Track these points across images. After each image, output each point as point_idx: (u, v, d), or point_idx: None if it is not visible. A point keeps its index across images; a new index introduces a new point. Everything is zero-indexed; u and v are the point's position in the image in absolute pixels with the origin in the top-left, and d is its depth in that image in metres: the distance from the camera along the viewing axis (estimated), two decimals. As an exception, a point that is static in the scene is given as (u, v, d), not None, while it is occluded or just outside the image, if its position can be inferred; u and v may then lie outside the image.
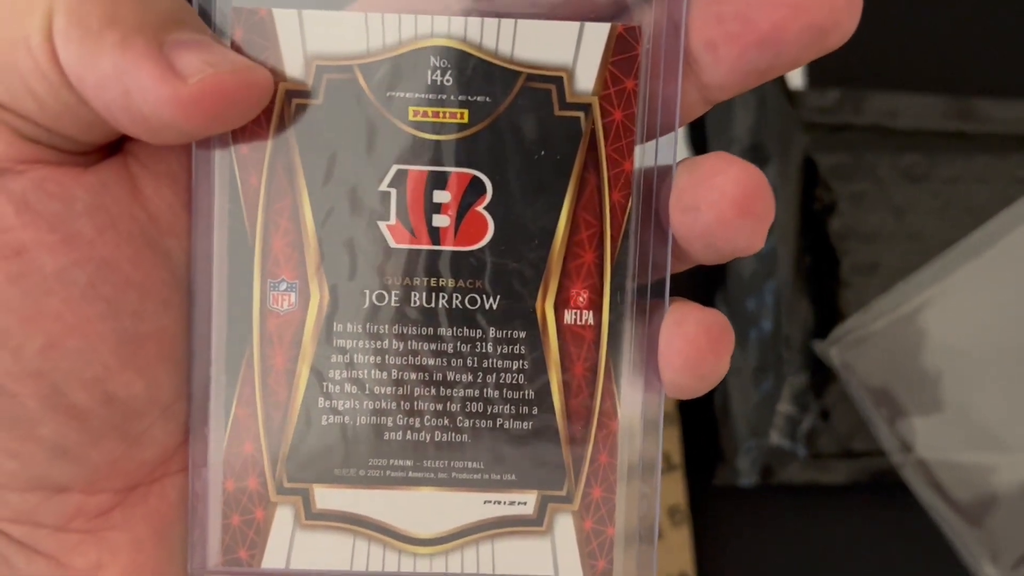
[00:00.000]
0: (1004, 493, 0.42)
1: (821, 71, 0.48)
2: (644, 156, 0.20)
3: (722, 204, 0.18)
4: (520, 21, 0.19)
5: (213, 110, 0.17)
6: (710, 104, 0.20)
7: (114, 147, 0.20)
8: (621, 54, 0.19)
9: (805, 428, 0.43)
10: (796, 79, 0.48)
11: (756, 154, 0.45)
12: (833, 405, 0.44)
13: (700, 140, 0.48)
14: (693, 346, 0.19)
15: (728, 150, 0.45)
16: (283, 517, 0.20)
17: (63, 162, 0.18)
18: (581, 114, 0.19)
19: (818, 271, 0.45)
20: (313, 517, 0.20)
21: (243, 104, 0.18)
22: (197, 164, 0.19)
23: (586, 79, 0.19)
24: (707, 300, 0.47)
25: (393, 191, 0.19)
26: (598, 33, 0.19)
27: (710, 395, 0.45)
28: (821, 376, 0.44)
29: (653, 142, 0.19)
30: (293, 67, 0.19)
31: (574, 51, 0.19)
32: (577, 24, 0.19)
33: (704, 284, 0.47)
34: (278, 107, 0.19)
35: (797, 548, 0.45)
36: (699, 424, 0.45)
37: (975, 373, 0.43)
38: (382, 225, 0.19)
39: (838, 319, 0.44)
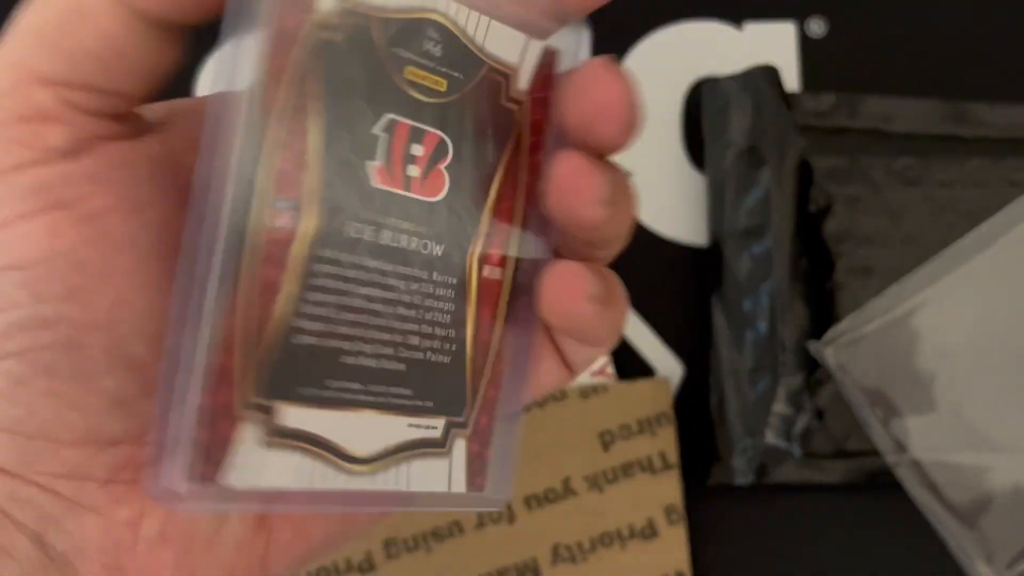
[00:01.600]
0: (998, 493, 0.42)
1: (817, 76, 0.49)
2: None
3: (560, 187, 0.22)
4: (492, 20, 0.22)
5: None
6: None
7: (147, 130, 0.21)
8: (546, 69, 0.23)
9: (800, 428, 0.44)
10: (792, 83, 0.49)
11: (752, 157, 0.45)
12: (828, 406, 0.44)
13: (697, 143, 0.48)
14: (559, 283, 0.22)
15: (724, 153, 0.46)
16: (248, 433, 0.20)
17: (118, 136, 0.20)
18: (516, 108, 0.23)
19: (814, 273, 0.45)
20: (275, 435, 0.20)
21: None
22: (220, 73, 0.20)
23: (523, 81, 0.23)
24: (703, 302, 0.47)
25: (383, 136, 0.21)
26: (535, 48, 0.23)
27: (706, 395, 0.46)
28: (816, 377, 0.44)
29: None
30: (325, 3, 0.20)
31: (520, 57, 0.23)
32: (525, 37, 0.23)
33: (701, 286, 0.47)
34: (306, 38, 0.20)
35: (792, 547, 0.45)
36: (695, 424, 0.46)
37: (969, 374, 0.43)
38: (369, 164, 0.21)
39: (833, 321, 0.45)
